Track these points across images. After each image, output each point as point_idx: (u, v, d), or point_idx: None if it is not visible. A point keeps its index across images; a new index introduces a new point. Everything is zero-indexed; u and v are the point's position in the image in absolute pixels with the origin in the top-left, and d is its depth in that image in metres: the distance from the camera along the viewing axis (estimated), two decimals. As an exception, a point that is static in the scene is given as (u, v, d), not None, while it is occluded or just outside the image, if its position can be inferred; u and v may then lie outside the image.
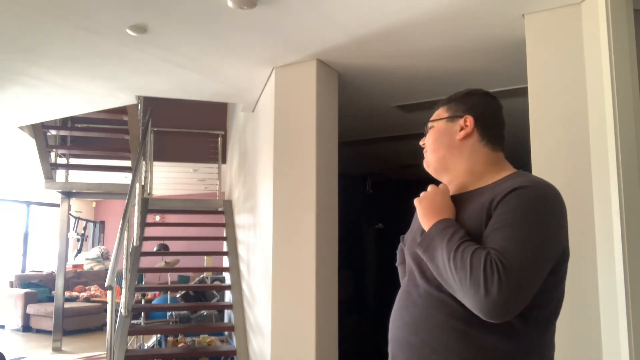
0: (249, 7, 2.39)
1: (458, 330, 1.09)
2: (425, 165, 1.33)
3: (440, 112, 1.32)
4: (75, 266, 9.47)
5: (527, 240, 1.04)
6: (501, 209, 1.09)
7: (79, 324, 7.58)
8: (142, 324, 5.53)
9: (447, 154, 1.27)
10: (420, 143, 1.35)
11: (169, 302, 6.00)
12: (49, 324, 7.10)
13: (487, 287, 1.00)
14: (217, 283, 6.34)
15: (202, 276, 6.77)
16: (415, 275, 1.21)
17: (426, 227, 1.19)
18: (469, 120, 1.26)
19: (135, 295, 5.36)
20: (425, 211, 1.20)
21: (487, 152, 1.25)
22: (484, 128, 1.26)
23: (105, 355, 3.55)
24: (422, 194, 1.26)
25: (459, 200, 1.23)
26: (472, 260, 1.03)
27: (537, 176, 1.19)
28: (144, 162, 5.43)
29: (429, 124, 1.33)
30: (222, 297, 6.29)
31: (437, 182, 1.31)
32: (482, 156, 1.25)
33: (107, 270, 4.93)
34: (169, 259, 6.45)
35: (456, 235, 1.10)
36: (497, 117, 1.29)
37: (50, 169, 6.13)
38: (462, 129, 1.26)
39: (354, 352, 4.72)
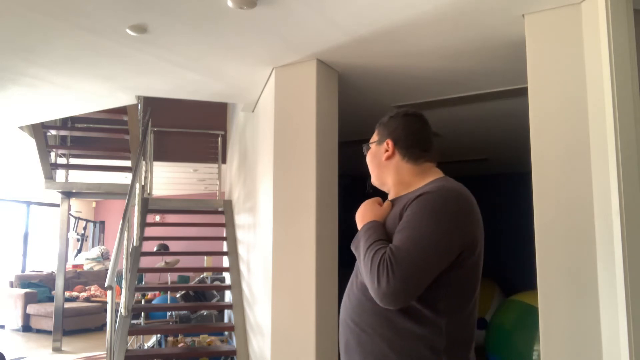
0: (249, 7, 2.39)
1: (381, 314, 1.31)
2: (372, 181, 1.59)
3: (374, 136, 1.57)
4: (75, 266, 9.48)
5: (418, 240, 1.25)
6: (407, 212, 1.31)
7: (79, 324, 7.58)
8: (142, 324, 5.53)
9: (379, 172, 1.54)
10: (366, 161, 1.60)
11: (169, 302, 6.00)
12: (49, 324, 7.10)
13: (379, 280, 1.23)
14: (217, 283, 6.35)
15: (202, 276, 6.77)
16: (356, 269, 1.45)
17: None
18: (390, 143, 1.49)
19: (135, 295, 5.37)
20: (358, 218, 1.46)
21: (410, 167, 1.47)
22: (403, 147, 1.48)
23: (105, 355, 3.55)
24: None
25: (393, 204, 1.46)
26: (373, 258, 1.27)
27: (450, 182, 1.37)
28: (144, 162, 5.43)
29: (369, 145, 1.57)
30: (222, 297, 6.29)
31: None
32: (406, 170, 1.47)
33: (107, 270, 4.94)
34: (169, 259, 6.45)
35: (372, 236, 1.34)
36: (417, 135, 1.49)
37: (50, 169, 6.13)
38: (386, 150, 1.50)
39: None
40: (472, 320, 1.35)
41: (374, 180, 1.57)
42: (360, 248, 1.36)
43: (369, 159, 1.58)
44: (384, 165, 1.52)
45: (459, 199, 1.32)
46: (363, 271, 1.31)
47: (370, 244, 1.32)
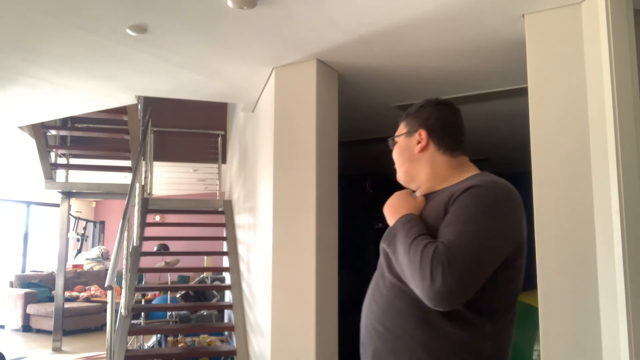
0: (249, 7, 2.39)
1: (418, 318, 1.18)
2: (397, 178, 1.45)
3: (401, 128, 1.45)
4: (75, 266, 9.48)
5: (473, 235, 1.13)
6: (455, 205, 1.19)
7: (79, 324, 7.58)
8: (142, 324, 5.53)
9: (410, 166, 1.39)
10: (393, 156, 1.46)
11: (169, 302, 6.00)
12: (49, 324, 7.10)
13: (433, 277, 1.09)
14: (217, 283, 6.34)
15: (202, 276, 6.77)
16: (383, 268, 1.31)
17: (391, 224, 1.31)
18: (423, 133, 1.36)
19: (135, 295, 5.36)
20: (389, 211, 1.33)
21: (446, 159, 1.35)
22: (439, 137, 1.35)
23: (105, 355, 3.55)
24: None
25: (426, 199, 1.34)
26: (422, 253, 1.13)
27: (497, 177, 1.26)
28: (144, 162, 5.43)
29: (395, 139, 1.45)
30: (222, 297, 6.29)
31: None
32: (442, 163, 1.35)
33: (107, 270, 4.93)
34: (169, 259, 6.45)
35: (413, 230, 1.21)
36: (452, 124, 1.38)
37: (50, 169, 6.13)
38: (418, 142, 1.37)
39: (354, 352, 4.71)
40: (513, 327, 1.25)
41: (402, 177, 1.42)
42: (397, 243, 1.23)
43: (396, 154, 1.43)
44: (416, 159, 1.37)
45: (512, 195, 1.22)
46: (405, 269, 1.18)
47: (414, 237, 1.18)
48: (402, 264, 1.19)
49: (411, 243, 1.17)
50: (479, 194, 1.18)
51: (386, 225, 1.35)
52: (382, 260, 1.34)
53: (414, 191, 1.42)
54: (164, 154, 6.62)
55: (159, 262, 6.52)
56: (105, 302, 7.61)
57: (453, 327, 1.16)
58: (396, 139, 1.45)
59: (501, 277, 1.18)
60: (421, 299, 1.14)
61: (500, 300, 1.20)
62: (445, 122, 1.37)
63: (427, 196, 1.34)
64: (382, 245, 1.31)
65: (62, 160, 6.67)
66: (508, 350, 1.24)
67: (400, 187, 1.47)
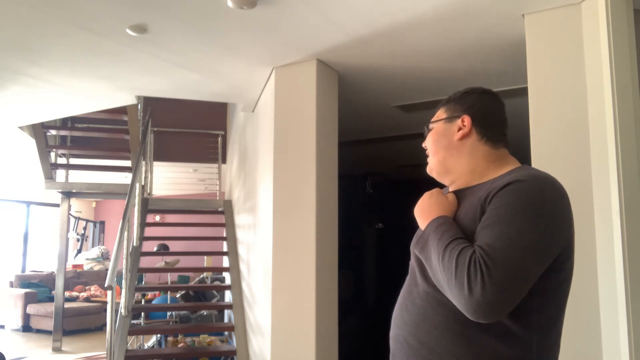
0: (249, 7, 2.39)
1: (455, 331, 1.07)
2: (428, 170, 1.32)
3: (440, 114, 1.31)
4: (75, 266, 9.47)
5: (516, 238, 1.00)
6: (494, 204, 1.07)
7: (79, 324, 7.58)
8: (142, 324, 5.53)
9: (447, 155, 1.26)
10: (423, 145, 1.34)
11: (169, 302, 6.00)
12: (49, 324, 7.10)
13: (471, 287, 0.98)
14: (217, 283, 6.34)
15: (202, 276, 6.77)
16: (416, 275, 1.20)
17: (423, 228, 1.19)
18: (467, 120, 1.24)
19: (135, 295, 5.36)
20: (420, 215, 1.21)
21: (487, 150, 1.23)
22: (483, 127, 1.24)
23: (105, 355, 3.55)
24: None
25: (460, 196, 1.22)
26: (457, 259, 1.02)
27: (540, 170, 1.15)
28: (144, 162, 5.43)
29: (430, 126, 1.32)
30: (222, 297, 6.29)
31: (439, 185, 1.31)
32: (482, 155, 1.23)
33: (107, 270, 4.93)
34: (169, 259, 6.45)
35: (447, 234, 1.09)
36: (497, 114, 1.27)
37: (50, 169, 6.12)
38: (460, 129, 1.25)
39: (354, 352, 4.72)
40: (560, 337, 1.13)
41: (435, 166, 1.29)
42: (430, 249, 1.11)
43: (432, 140, 1.30)
44: (454, 147, 1.24)
45: (558, 190, 1.09)
46: (441, 277, 1.06)
47: (447, 242, 1.07)
48: (437, 272, 1.08)
49: (445, 248, 1.06)
50: (520, 189, 1.06)
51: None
52: (414, 265, 1.23)
53: (444, 186, 1.32)
54: (164, 154, 6.62)
55: (159, 262, 6.53)
56: (105, 302, 7.61)
57: (495, 342, 1.04)
58: (433, 125, 1.31)
59: (551, 282, 1.06)
60: (460, 310, 1.03)
61: (550, 308, 1.08)
62: (491, 112, 1.26)
63: (462, 193, 1.23)
64: (414, 250, 1.21)
65: (62, 160, 6.67)
66: None
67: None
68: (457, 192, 1.24)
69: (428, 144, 1.32)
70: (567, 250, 1.09)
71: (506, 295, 0.97)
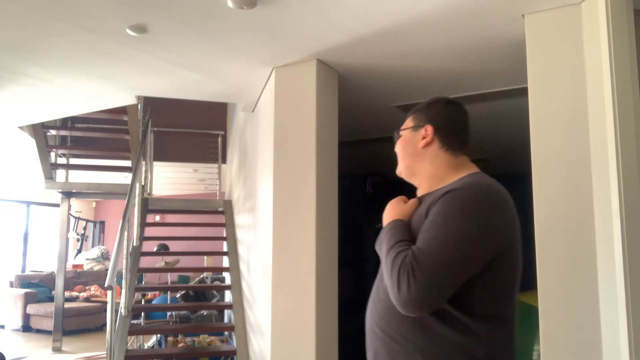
0: (249, 7, 2.39)
1: (413, 321, 1.19)
2: (397, 172, 1.46)
3: (408, 122, 1.45)
4: (75, 266, 9.48)
5: (443, 242, 1.14)
6: (433, 210, 1.21)
7: (79, 324, 7.58)
8: (142, 324, 5.53)
9: (413, 161, 1.40)
10: (395, 149, 1.47)
11: (169, 302, 6.00)
12: (49, 324, 7.10)
13: (400, 285, 1.13)
14: (217, 283, 6.34)
15: (202, 276, 6.77)
16: (381, 272, 1.32)
17: None
18: (429, 129, 1.37)
19: (135, 295, 5.36)
20: (384, 218, 1.36)
21: (448, 157, 1.36)
22: (444, 136, 1.36)
23: (105, 355, 3.55)
24: None
25: (421, 200, 1.35)
26: (394, 260, 1.17)
27: (483, 178, 1.27)
28: (144, 162, 5.43)
29: (400, 133, 1.46)
30: (222, 297, 6.29)
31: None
32: (443, 161, 1.35)
33: (107, 270, 4.93)
34: (169, 259, 6.45)
35: (394, 236, 1.24)
36: (458, 124, 1.39)
37: (50, 169, 6.13)
38: (423, 137, 1.38)
39: (354, 352, 4.71)
40: (512, 327, 1.24)
41: (403, 171, 1.44)
42: (382, 249, 1.27)
43: (400, 147, 1.44)
44: (418, 154, 1.39)
45: (491, 196, 1.21)
46: (385, 274, 1.21)
47: (392, 245, 1.22)
48: (383, 270, 1.23)
49: (389, 249, 1.22)
50: (454, 197, 1.19)
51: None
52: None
53: (416, 189, 1.43)
54: (164, 154, 6.62)
55: (159, 262, 6.52)
56: (105, 302, 7.61)
57: (447, 330, 1.17)
58: (401, 132, 1.45)
59: (490, 279, 1.18)
60: None
61: (494, 302, 1.20)
62: (453, 121, 1.38)
63: (423, 197, 1.35)
64: (376, 249, 1.35)
65: (62, 160, 6.67)
66: (510, 351, 1.22)
67: (400, 186, 1.48)
68: (420, 197, 1.37)
69: (397, 149, 1.46)
70: (505, 252, 1.20)
71: (429, 293, 1.11)
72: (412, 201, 1.37)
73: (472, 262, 1.15)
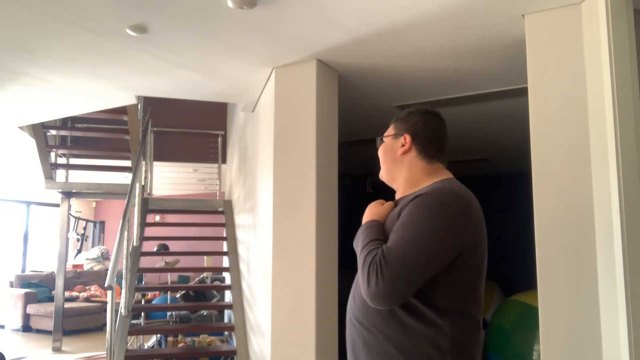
0: (249, 7, 2.39)
1: (385, 314, 1.30)
2: (380, 176, 1.57)
3: (390, 130, 1.55)
4: (75, 266, 9.47)
5: (410, 242, 1.24)
6: (404, 212, 1.31)
7: (79, 324, 7.58)
8: (142, 324, 5.53)
9: (392, 166, 1.51)
10: (378, 154, 1.57)
11: (169, 302, 6.00)
12: (49, 324, 7.10)
13: (369, 281, 1.24)
14: (217, 283, 6.34)
15: (202, 276, 6.77)
16: None
17: None
18: (407, 138, 1.48)
19: (135, 295, 5.37)
20: (363, 218, 1.46)
21: (423, 164, 1.46)
22: (421, 144, 1.47)
23: (105, 355, 3.55)
24: None
25: (397, 203, 1.45)
26: (365, 258, 1.29)
27: (451, 183, 1.37)
28: (144, 162, 5.43)
29: (383, 139, 1.56)
30: (222, 297, 6.29)
31: None
32: (419, 168, 1.46)
33: (107, 270, 4.94)
34: (169, 259, 6.45)
35: (368, 236, 1.35)
36: (435, 133, 1.49)
37: (50, 169, 6.12)
38: (402, 145, 1.49)
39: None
40: (476, 322, 1.33)
41: (383, 175, 1.55)
42: (358, 247, 1.37)
43: (381, 153, 1.55)
44: (397, 160, 1.50)
45: (457, 200, 1.31)
46: (358, 270, 1.32)
47: (365, 243, 1.33)
48: (358, 265, 1.33)
49: (363, 247, 1.33)
50: (422, 200, 1.29)
51: None
52: None
53: (394, 192, 1.53)
54: (164, 154, 6.62)
55: (159, 262, 6.52)
56: (105, 302, 7.61)
57: (415, 322, 1.27)
58: (384, 139, 1.56)
59: (454, 278, 1.28)
60: None
61: (458, 299, 1.29)
62: (430, 131, 1.48)
63: (399, 201, 1.46)
64: (354, 247, 1.44)
65: (62, 160, 6.67)
66: (474, 344, 1.31)
67: (390, 188, 1.54)
68: (397, 200, 1.48)
69: (379, 154, 1.56)
70: (469, 252, 1.29)
71: (393, 289, 1.22)
72: (388, 203, 1.47)
73: (436, 260, 1.25)
